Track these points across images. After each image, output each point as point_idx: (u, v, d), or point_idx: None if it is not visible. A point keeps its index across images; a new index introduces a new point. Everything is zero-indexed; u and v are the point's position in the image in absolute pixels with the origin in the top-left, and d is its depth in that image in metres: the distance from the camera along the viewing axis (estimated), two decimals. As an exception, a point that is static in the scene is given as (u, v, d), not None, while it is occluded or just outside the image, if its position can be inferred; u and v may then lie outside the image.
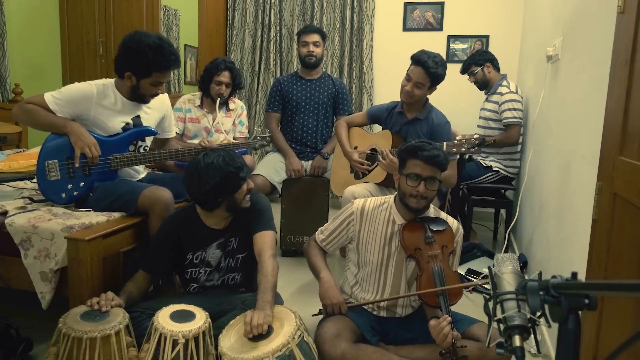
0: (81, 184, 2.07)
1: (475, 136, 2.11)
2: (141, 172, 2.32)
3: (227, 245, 1.91)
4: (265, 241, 1.82)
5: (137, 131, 2.16)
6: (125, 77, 2.07)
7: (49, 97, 2.03)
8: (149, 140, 2.26)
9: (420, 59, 2.44)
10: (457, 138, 2.19)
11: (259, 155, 4.46)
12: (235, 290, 1.95)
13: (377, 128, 2.96)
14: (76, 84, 2.09)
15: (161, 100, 2.30)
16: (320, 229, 2.02)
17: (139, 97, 2.13)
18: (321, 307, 1.88)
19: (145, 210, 2.01)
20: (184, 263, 1.92)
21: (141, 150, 2.21)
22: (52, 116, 2.02)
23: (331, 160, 3.08)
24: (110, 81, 2.14)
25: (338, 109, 3.22)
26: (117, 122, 2.12)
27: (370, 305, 1.89)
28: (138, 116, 2.18)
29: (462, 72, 3.48)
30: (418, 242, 1.80)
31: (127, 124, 2.15)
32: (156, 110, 2.28)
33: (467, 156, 2.14)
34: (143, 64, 2.02)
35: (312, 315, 1.92)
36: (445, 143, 2.14)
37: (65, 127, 2.01)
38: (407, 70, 2.53)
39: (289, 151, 3.10)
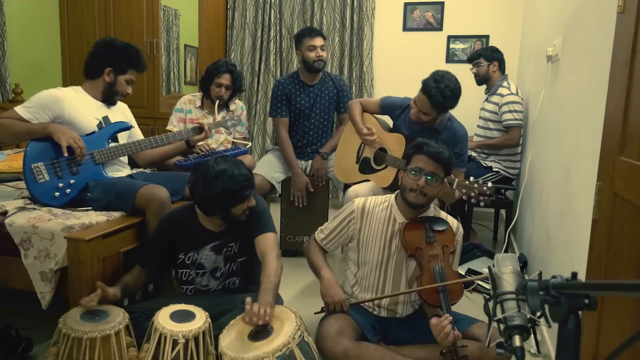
0: (71, 181, 2.07)
1: (488, 185, 2.01)
2: (126, 165, 2.36)
3: (228, 250, 1.91)
4: (268, 243, 1.82)
5: (113, 126, 2.24)
6: (105, 74, 2.21)
7: (20, 109, 2.08)
8: (122, 139, 2.31)
9: (426, 88, 2.30)
10: (471, 178, 2.09)
11: (259, 155, 4.47)
12: (234, 294, 1.95)
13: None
14: (44, 90, 2.15)
15: (123, 112, 2.40)
16: (320, 228, 2.02)
17: (112, 94, 2.26)
18: (323, 306, 1.88)
19: (142, 208, 2.02)
20: (176, 263, 1.92)
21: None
22: (28, 124, 2.06)
23: (333, 156, 3.06)
24: (78, 87, 2.25)
25: (339, 107, 3.16)
26: (91, 120, 2.18)
27: (371, 305, 1.90)
28: (107, 117, 2.26)
29: (469, 60, 3.47)
30: (419, 242, 1.80)
31: (100, 122, 2.21)
32: (122, 113, 2.38)
33: (473, 200, 2.03)
34: (125, 59, 2.21)
35: (315, 314, 1.92)
36: (456, 181, 1.98)
37: (46, 128, 2.03)
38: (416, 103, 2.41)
39: (296, 167, 3.01)
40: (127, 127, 2.29)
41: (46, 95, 2.11)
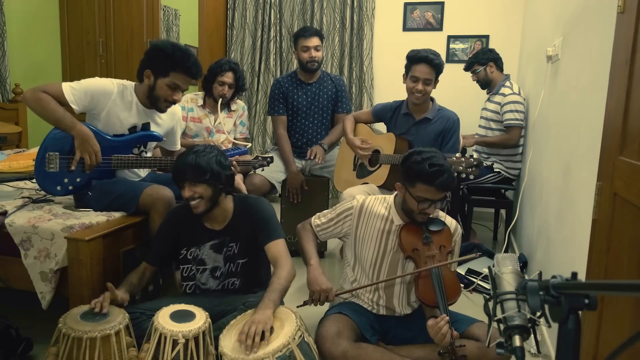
0: (78, 179, 2.06)
1: (474, 156, 2.10)
2: (141, 175, 2.30)
3: (228, 250, 1.91)
4: (280, 249, 1.82)
5: (142, 135, 2.14)
6: (145, 76, 2.05)
7: (67, 87, 1.98)
8: (150, 148, 2.24)
9: (421, 56, 2.45)
10: (457, 155, 2.17)
11: (259, 155, 4.46)
12: (234, 295, 1.95)
13: (379, 127, 2.95)
14: (97, 78, 2.07)
15: (173, 113, 2.26)
16: (318, 214, 2.02)
17: (154, 99, 2.07)
18: (306, 299, 1.84)
19: (147, 208, 2.01)
20: (179, 258, 1.92)
21: (143, 156, 2.19)
22: (61, 112, 1.97)
23: (334, 157, 3.07)
24: (131, 83, 2.13)
25: (337, 107, 3.17)
26: (126, 124, 2.11)
27: (369, 304, 1.90)
28: (148, 123, 2.16)
29: (466, 69, 3.48)
30: (415, 243, 1.80)
31: (135, 126, 2.13)
32: (168, 121, 2.26)
33: (463, 175, 2.10)
34: (162, 59, 2.01)
35: (297, 307, 1.85)
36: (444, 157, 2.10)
37: (72, 129, 1.97)
38: (408, 72, 2.51)
39: (292, 164, 3.03)
40: (156, 139, 2.19)
41: (98, 86, 2.03)
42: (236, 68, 2.86)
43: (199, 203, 1.79)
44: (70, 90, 1.99)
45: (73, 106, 2.00)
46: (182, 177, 1.77)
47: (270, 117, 3.76)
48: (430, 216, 1.89)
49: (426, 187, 1.72)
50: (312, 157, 3.02)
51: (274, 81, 3.19)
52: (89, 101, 2.02)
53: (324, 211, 2.02)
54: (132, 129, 2.13)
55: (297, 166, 3.08)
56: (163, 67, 2.02)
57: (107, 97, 2.04)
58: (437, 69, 2.47)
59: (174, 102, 2.11)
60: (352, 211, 1.91)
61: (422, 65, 2.45)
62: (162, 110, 2.14)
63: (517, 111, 3.13)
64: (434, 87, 2.54)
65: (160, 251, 1.92)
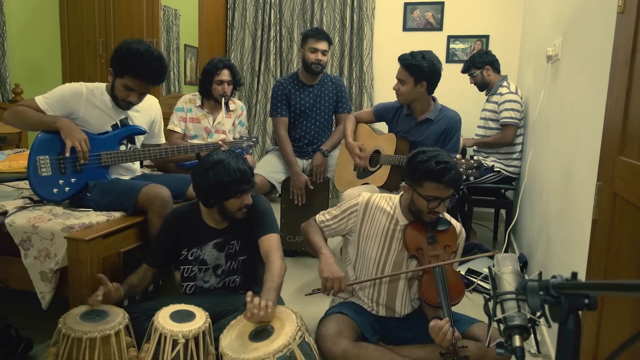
0: (72, 180, 2.07)
1: (474, 157, 2.10)
2: (134, 170, 2.33)
3: (229, 248, 1.92)
4: (272, 243, 1.83)
5: (126, 129, 2.20)
6: (108, 74, 2.14)
7: (39, 98, 2.07)
8: (139, 143, 2.30)
9: (399, 57, 2.48)
10: (457, 156, 2.17)
11: (259, 155, 4.47)
12: (234, 293, 1.95)
13: (380, 126, 2.95)
14: (67, 84, 2.14)
15: (151, 104, 2.34)
16: (322, 211, 2.01)
17: (114, 97, 2.15)
18: (316, 288, 1.83)
19: (144, 207, 2.02)
20: (179, 259, 1.93)
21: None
22: (41, 114, 2.06)
23: (335, 157, 3.07)
24: (102, 84, 2.20)
25: (337, 107, 3.18)
26: (106, 122, 2.16)
27: (369, 305, 1.90)
28: (126, 118, 2.22)
29: (463, 71, 3.49)
30: (420, 242, 1.80)
31: (116, 123, 2.19)
32: (145, 113, 2.31)
33: (463, 176, 2.11)
34: (118, 61, 2.07)
35: (306, 295, 1.86)
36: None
37: (55, 123, 2.03)
38: None
39: (295, 165, 3.03)
40: (140, 132, 2.25)
41: (67, 90, 2.10)
42: (230, 64, 2.87)
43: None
44: (44, 100, 2.07)
45: (50, 114, 2.06)
46: (251, 183, 1.83)
47: (271, 118, 3.76)
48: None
49: (435, 185, 1.71)
50: (319, 181, 3.04)
51: (275, 82, 3.18)
52: (63, 106, 2.08)
53: (329, 209, 2.01)
54: (114, 127, 2.18)
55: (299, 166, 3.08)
56: (120, 69, 2.07)
57: (79, 97, 2.10)
58: (412, 70, 2.40)
59: (131, 103, 2.14)
60: (357, 207, 1.91)
61: (399, 66, 2.48)
62: (124, 109, 2.19)
63: (513, 110, 3.14)
64: (421, 90, 2.46)
65: (161, 254, 1.93)
